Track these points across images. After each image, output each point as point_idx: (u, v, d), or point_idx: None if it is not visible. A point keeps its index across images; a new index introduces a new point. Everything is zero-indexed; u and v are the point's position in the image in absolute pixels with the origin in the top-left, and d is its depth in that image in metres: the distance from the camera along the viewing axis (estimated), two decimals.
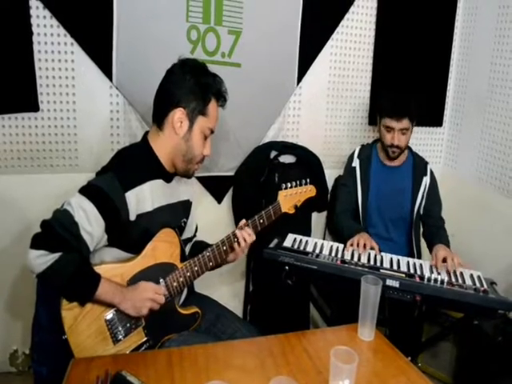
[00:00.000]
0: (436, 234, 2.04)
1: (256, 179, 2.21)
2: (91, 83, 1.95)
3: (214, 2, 1.98)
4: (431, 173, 2.15)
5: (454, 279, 1.67)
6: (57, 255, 1.24)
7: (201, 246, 1.59)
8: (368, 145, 2.22)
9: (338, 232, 2.11)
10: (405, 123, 1.96)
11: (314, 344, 1.32)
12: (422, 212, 2.13)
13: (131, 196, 1.33)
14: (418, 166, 2.14)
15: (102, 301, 1.31)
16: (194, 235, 1.71)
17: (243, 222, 1.49)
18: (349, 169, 2.17)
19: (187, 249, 1.66)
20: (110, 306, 1.34)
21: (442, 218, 2.13)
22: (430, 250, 1.98)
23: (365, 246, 1.80)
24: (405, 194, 2.12)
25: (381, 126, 2.04)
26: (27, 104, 1.88)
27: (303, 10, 2.14)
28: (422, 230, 2.17)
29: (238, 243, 1.46)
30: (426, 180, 2.12)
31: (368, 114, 2.43)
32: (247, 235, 1.46)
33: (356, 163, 2.14)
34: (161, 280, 1.40)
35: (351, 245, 1.83)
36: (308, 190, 1.57)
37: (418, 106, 2.02)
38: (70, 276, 1.26)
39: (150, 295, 1.35)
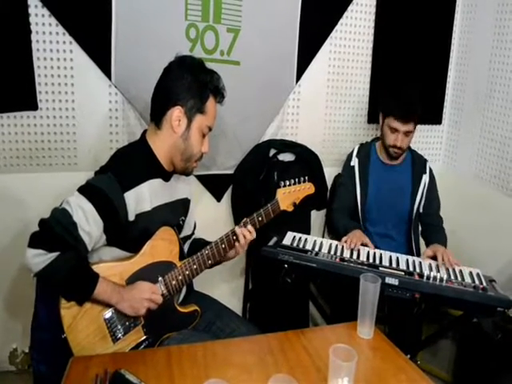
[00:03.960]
0: (433, 233, 2.05)
1: (255, 177, 2.21)
2: (90, 82, 1.95)
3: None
4: (430, 171, 2.14)
5: (453, 277, 1.68)
6: (54, 255, 1.24)
7: (200, 244, 1.59)
8: (367, 143, 2.22)
9: (333, 228, 2.11)
10: (410, 126, 1.95)
11: (314, 342, 1.32)
12: (421, 210, 2.12)
13: (130, 196, 1.33)
14: (417, 163, 2.14)
15: (100, 300, 1.31)
16: (193, 233, 1.71)
17: (245, 220, 1.50)
18: (347, 168, 2.17)
19: (186, 247, 1.66)
20: (108, 305, 1.34)
21: (441, 217, 2.13)
22: None
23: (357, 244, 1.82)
24: (404, 193, 2.11)
25: (384, 126, 2.01)
26: (26, 103, 1.87)
27: (302, 7, 2.14)
28: (420, 228, 2.17)
29: (238, 240, 1.46)
30: (425, 178, 2.11)
31: (367, 112, 2.42)
32: (247, 232, 1.46)
33: (355, 162, 2.13)
34: (160, 278, 1.40)
35: (345, 242, 1.84)
36: (307, 188, 1.56)
37: (423, 105, 1.99)
38: (67, 275, 1.26)
39: (148, 295, 1.35)
